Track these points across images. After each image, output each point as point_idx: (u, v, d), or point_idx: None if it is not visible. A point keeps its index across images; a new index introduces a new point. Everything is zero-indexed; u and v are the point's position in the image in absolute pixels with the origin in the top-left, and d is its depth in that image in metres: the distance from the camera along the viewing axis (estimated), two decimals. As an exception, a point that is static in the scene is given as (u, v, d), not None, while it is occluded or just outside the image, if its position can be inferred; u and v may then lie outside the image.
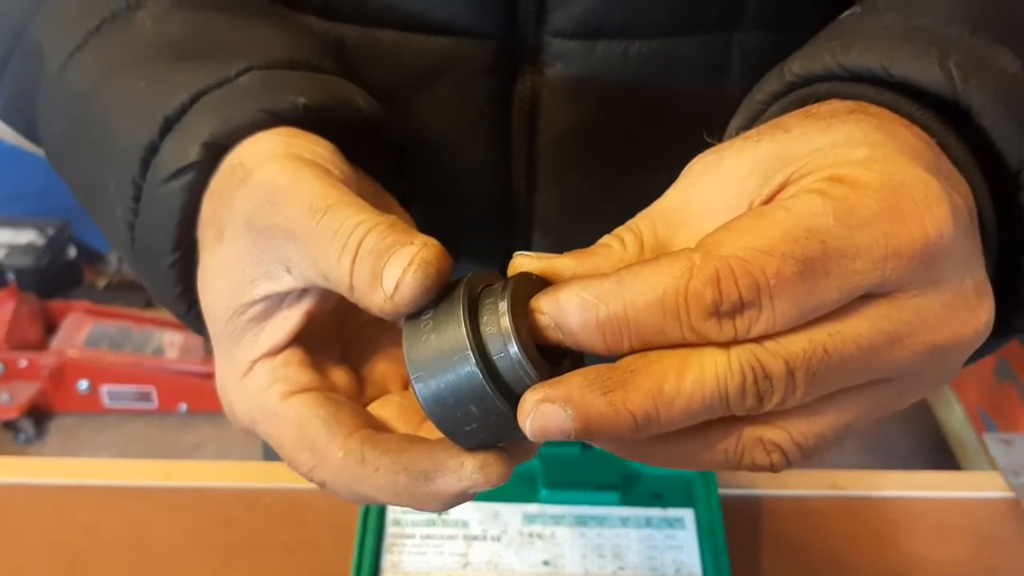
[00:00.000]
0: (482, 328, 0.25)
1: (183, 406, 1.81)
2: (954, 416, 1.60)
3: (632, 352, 0.25)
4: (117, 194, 0.33)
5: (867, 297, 0.24)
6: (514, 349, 0.25)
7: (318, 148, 0.31)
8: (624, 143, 0.45)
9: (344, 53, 0.42)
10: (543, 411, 0.24)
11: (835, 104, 0.28)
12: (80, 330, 1.84)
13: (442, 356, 0.25)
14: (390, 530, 0.48)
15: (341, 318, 0.33)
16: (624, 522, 0.49)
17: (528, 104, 0.43)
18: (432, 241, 0.27)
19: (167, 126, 0.32)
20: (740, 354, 0.24)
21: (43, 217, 2.09)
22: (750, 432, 0.26)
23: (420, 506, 0.29)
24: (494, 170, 0.46)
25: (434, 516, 0.49)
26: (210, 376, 1.82)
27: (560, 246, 0.43)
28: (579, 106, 0.43)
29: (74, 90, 0.35)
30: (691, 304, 0.24)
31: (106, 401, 1.80)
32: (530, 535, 0.48)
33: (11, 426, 1.75)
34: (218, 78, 0.32)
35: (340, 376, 0.32)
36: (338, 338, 0.33)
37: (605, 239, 0.29)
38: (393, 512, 0.49)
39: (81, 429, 1.80)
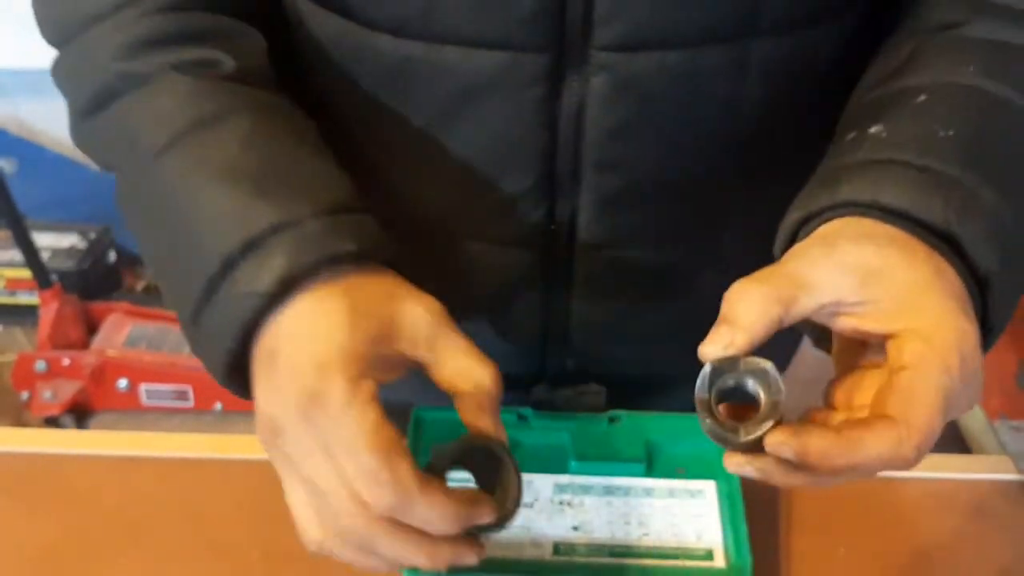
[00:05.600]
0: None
1: (218, 405, 1.85)
2: (976, 423, 1.61)
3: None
4: (190, 280, 0.42)
5: None
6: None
7: (357, 311, 0.40)
8: (659, 140, 0.50)
9: (411, 71, 0.49)
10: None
11: (882, 228, 0.40)
12: (120, 331, 1.89)
13: None
14: (430, 496, 0.52)
15: None
16: (648, 492, 0.52)
17: (575, 109, 0.49)
18: None
19: (248, 246, 0.41)
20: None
21: (85, 223, 2.15)
22: None
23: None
24: (541, 165, 0.51)
25: (471, 483, 0.52)
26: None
27: (603, 229, 0.53)
28: (620, 109, 0.49)
29: (165, 181, 0.44)
30: (900, 462, 0.37)
31: (144, 399, 1.84)
32: (560, 503, 0.52)
33: (53, 422, 1.80)
34: (292, 218, 0.41)
35: None
36: None
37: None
38: (433, 480, 0.52)
39: (120, 426, 1.85)
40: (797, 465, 0.37)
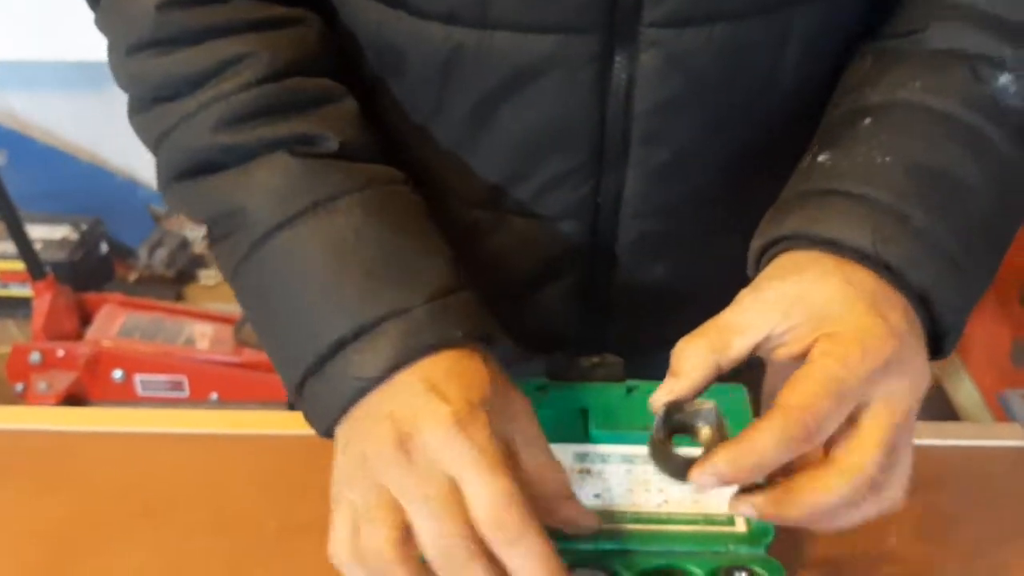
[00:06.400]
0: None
1: (214, 395, 1.85)
2: (972, 402, 1.63)
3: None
4: (299, 354, 0.45)
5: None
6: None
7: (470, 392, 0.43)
8: (704, 114, 0.52)
9: (462, 57, 0.50)
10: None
11: (801, 256, 0.44)
12: (114, 321, 1.88)
13: None
14: (451, 466, 0.52)
15: None
16: (667, 460, 0.52)
17: (624, 85, 0.50)
18: None
19: (360, 331, 0.43)
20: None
21: (76, 214, 2.14)
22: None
23: None
24: (589, 143, 0.52)
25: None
26: (239, 366, 1.87)
27: (647, 201, 0.56)
28: (667, 85, 0.50)
29: (277, 258, 0.46)
30: (793, 445, 0.39)
31: (139, 390, 1.84)
32: (580, 471, 0.52)
33: (48, 414, 1.80)
34: (402, 306, 0.44)
35: None
36: None
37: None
38: (453, 450, 0.53)
39: (116, 417, 1.85)
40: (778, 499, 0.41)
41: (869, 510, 0.41)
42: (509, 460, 0.42)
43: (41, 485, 0.57)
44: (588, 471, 0.52)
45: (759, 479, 0.41)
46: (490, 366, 0.45)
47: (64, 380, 1.80)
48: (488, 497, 0.40)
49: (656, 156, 0.53)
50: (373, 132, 0.51)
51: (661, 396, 0.43)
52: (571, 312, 0.61)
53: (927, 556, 0.53)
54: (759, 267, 0.47)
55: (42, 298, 1.83)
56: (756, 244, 0.48)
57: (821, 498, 0.40)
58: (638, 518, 0.50)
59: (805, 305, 0.42)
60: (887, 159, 0.45)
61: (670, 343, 0.45)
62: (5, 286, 2.05)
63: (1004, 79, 0.46)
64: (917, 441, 0.60)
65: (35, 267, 1.81)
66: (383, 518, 0.41)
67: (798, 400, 0.39)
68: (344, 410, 0.44)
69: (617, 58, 0.49)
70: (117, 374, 1.82)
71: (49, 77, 2.07)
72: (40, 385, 1.79)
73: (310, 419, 0.47)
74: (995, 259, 0.47)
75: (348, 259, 0.45)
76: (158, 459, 0.59)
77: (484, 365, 0.44)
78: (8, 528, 0.54)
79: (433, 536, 0.40)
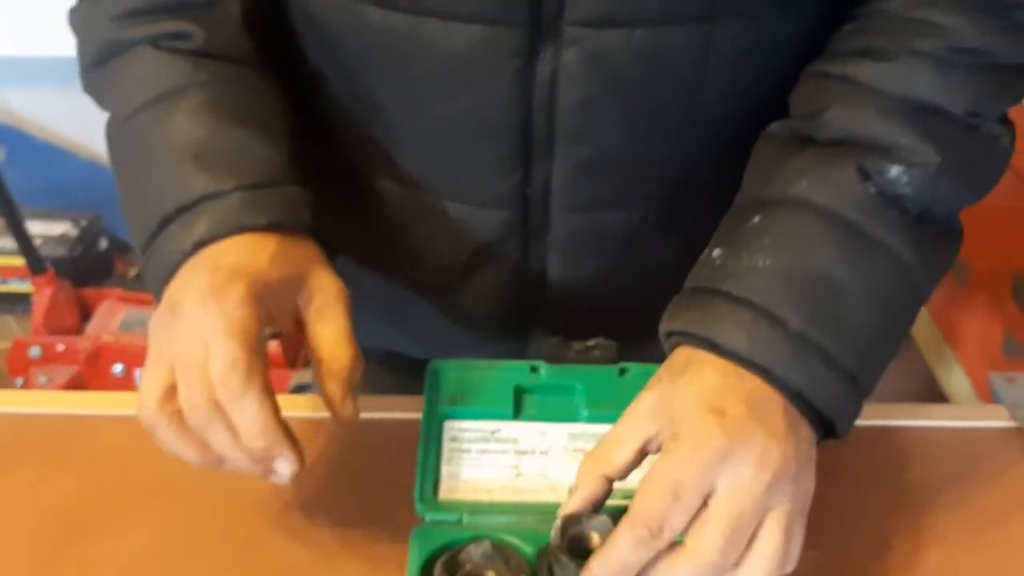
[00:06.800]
0: None
1: (213, 389, 1.86)
2: (964, 394, 1.64)
3: None
4: (141, 227, 0.51)
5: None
6: None
7: (256, 263, 0.48)
8: (624, 115, 0.54)
9: (395, 42, 0.53)
10: None
11: (691, 354, 0.47)
12: (114, 316, 1.89)
13: None
14: (448, 446, 0.53)
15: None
16: (659, 440, 0.54)
17: (548, 81, 0.52)
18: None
19: (180, 210, 0.49)
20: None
21: (75, 210, 2.15)
22: None
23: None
24: (516, 134, 0.55)
25: (487, 434, 0.54)
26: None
27: (575, 194, 0.58)
28: (589, 83, 0.52)
29: (130, 139, 0.54)
30: (644, 541, 0.42)
31: (139, 383, 1.85)
32: (574, 451, 0.53)
33: (48, 408, 1.80)
34: (217, 189, 0.49)
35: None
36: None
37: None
38: (451, 431, 0.54)
39: (116, 411, 1.86)
40: None
41: None
42: (261, 327, 0.46)
43: (48, 467, 0.58)
44: (583, 451, 0.53)
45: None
46: (295, 249, 0.50)
47: (64, 374, 1.80)
48: (217, 360, 0.44)
49: (580, 152, 0.55)
50: (255, 39, 0.56)
51: (562, 510, 0.46)
52: (507, 299, 0.64)
53: (907, 530, 0.54)
54: (667, 351, 0.50)
55: (42, 293, 1.84)
56: (661, 330, 0.50)
57: None
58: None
59: (665, 408, 0.45)
60: (768, 262, 0.47)
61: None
62: (4, 282, 2.06)
63: (895, 171, 0.48)
64: (901, 422, 0.62)
65: (35, 262, 1.82)
66: (153, 375, 0.46)
67: (640, 503, 0.43)
68: (166, 280, 0.49)
69: (542, 53, 0.51)
70: (117, 368, 1.83)
71: (46, 73, 2.08)
72: (40, 379, 1.79)
73: (148, 287, 0.52)
74: (881, 352, 0.48)
75: (182, 144, 0.51)
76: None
77: (280, 248, 0.49)
78: (16, 508, 0.55)
79: (182, 394, 0.45)
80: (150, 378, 0.47)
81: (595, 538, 0.46)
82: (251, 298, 0.46)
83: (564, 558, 0.45)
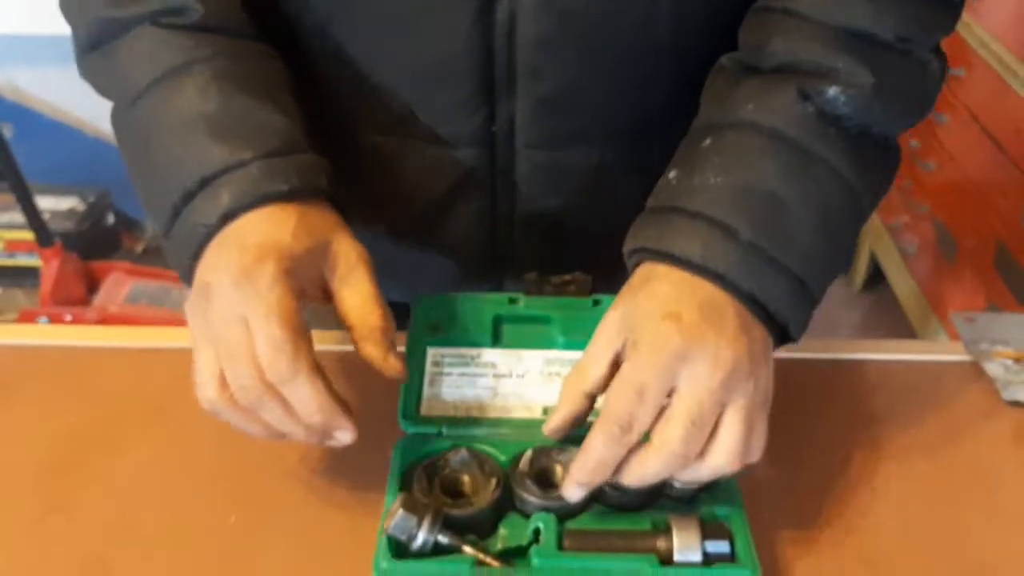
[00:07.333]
0: None
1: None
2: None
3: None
4: (163, 205, 0.51)
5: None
6: None
7: (284, 239, 0.48)
8: (580, 53, 0.58)
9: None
10: None
11: (649, 270, 0.50)
12: (121, 288, 1.93)
13: None
14: (430, 369, 0.57)
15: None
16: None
17: (507, 21, 0.56)
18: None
19: (203, 183, 0.50)
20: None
21: (83, 186, 2.18)
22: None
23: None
24: (479, 73, 0.58)
25: (467, 359, 0.57)
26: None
27: (539, 131, 0.62)
28: (544, 23, 0.56)
29: (140, 121, 0.54)
30: (617, 438, 0.46)
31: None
32: (550, 374, 0.57)
33: (57, 378, 1.84)
34: (237, 160, 0.50)
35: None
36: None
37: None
38: (433, 355, 0.57)
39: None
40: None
41: (701, 473, 0.47)
42: (299, 303, 0.47)
43: (53, 394, 0.62)
44: (557, 374, 0.57)
45: (609, 475, 0.47)
46: (316, 217, 0.50)
47: (72, 344, 1.84)
48: (262, 344, 0.45)
49: (540, 89, 0.59)
50: (248, 9, 0.57)
51: (544, 429, 0.50)
52: (480, 236, 0.67)
53: (867, 445, 0.58)
54: (630, 270, 0.53)
55: (50, 264, 1.88)
56: (624, 250, 0.53)
57: (641, 471, 0.46)
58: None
59: (627, 321, 0.48)
60: (719, 179, 0.50)
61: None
62: (12, 255, 2.10)
63: (833, 91, 0.51)
64: (866, 356, 0.66)
65: (43, 235, 1.86)
66: (204, 361, 0.47)
67: (609, 405, 0.46)
68: (193, 255, 0.50)
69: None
70: (124, 339, 1.86)
71: (52, 51, 2.11)
72: (49, 349, 1.83)
73: (175, 267, 0.52)
74: (826, 259, 0.51)
75: (195, 119, 0.51)
76: (160, 373, 0.63)
77: (301, 218, 0.49)
78: (22, 433, 0.59)
79: (230, 377, 0.46)
80: (202, 365, 0.47)
81: (559, 471, 0.50)
82: (283, 274, 0.46)
83: (529, 482, 0.49)
